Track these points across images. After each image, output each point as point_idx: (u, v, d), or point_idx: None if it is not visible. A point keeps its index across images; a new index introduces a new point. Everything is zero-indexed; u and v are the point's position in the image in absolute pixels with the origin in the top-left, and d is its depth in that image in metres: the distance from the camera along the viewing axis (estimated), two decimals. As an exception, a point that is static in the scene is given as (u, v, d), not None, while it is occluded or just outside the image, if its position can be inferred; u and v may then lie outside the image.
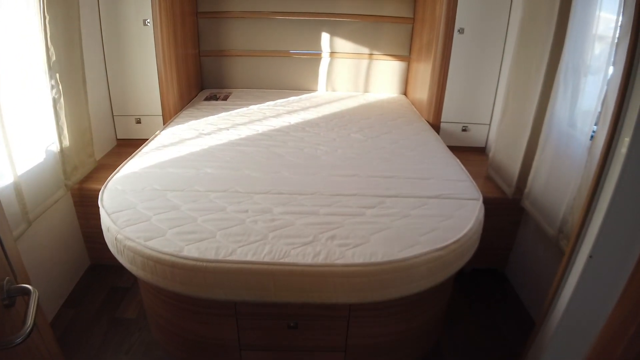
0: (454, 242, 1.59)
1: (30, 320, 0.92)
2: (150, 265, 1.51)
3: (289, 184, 1.96)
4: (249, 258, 1.46)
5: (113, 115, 2.91)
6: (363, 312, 1.66)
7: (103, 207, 1.77)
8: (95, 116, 2.57)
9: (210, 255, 1.46)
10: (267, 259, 1.45)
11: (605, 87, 1.71)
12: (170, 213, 1.71)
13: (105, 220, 1.71)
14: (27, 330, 0.91)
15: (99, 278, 2.48)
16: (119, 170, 2.08)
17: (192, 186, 1.91)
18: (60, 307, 2.26)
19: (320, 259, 1.46)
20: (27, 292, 0.99)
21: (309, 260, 1.46)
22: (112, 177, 2.01)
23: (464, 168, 2.19)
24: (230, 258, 1.45)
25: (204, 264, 1.44)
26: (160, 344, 1.97)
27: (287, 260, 1.46)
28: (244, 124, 2.73)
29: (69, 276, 2.38)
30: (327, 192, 1.90)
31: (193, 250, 1.49)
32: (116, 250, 1.64)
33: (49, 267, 2.18)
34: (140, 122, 2.92)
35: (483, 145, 3.02)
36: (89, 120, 2.43)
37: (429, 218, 1.73)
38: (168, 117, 2.89)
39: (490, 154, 2.59)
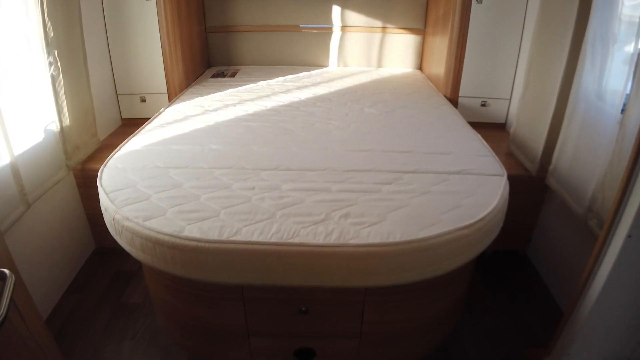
0: (479, 221, 1.43)
1: (3, 308, 0.80)
2: (150, 246, 1.39)
3: (299, 160, 1.81)
4: (254, 238, 1.32)
5: (117, 94, 2.79)
6: (378, 297, 1.52)
7: (101, 186, 1.65)
8: (98, 95, 2.45)
9: (213, 235, 1.33)
10: (274, 239, 1.32)
11: (636, 57, 1.53)
12: (171, 191, 1.58)
13: (103, 200, 1.59)
14: (0, 319, 0.79)
15: (104, 262, 2.38)
16: (120, 148, 1.96)
17: (195, 163, 1.78)
18: (63, 293, 2.17)
19: (332, 239, 1.32)
20: (2, 277, 0.86)
21: (320, 240, 1.32)
22: (112, 156, 1.89)
23: (485, 143, 2.02)
24: (234, 238, 1.32)
25: (206, 244, 1.31)
26: (165, 331, 1.87)
27: (296, 240, 1.32)
28: (252, 100, 2.58)
29: (73, 260, 2.29)
30: (340, 168, 1.75)
31: (195, 230, 1.35)
32: (115, 231, 1.52)
33: (51, 251, 2.08)
34: (145, 101, 2.79)
35: (503, 121, 2.84)
36: (90, 99, 2.31)
37: (450, 195, 1.57)
38: (173, 95, 2.75)
39: (512, 130, 2.41)
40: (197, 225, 1.37)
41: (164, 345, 1.89)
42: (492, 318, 2.03)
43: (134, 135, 2.08)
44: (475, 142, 2.03)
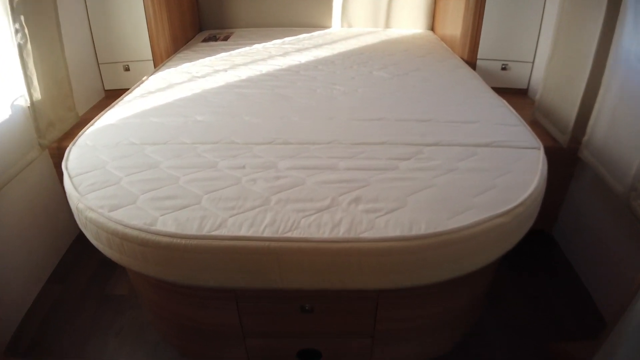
0: (519, 205, 1.13)
1: None
2: (117, 242, 1.10)
3: (299, 132, 1.51)
4: (243, 232, 1.03)
5: (98, 63, 2.45)
6: (394, 292, 1.24)
7: (67, 168, 1.36)
8: (76, 64, 2.14)
9: (192, 228, 1.04)
10: (268, 233, 1.02)
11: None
12: (146, 173, 1.28)
13: (67, 186, 1.30)
14: None
15: (89, 248, 2.05)
16: (94, 123, 1.66)
17: (177, 138, 1.48)
18: (45, 283, 1.91)
19: (341, 232, 1.03)
20: None
21: (325, 233, 1.02)
22: (84, 132, 1.60)
23: (514, 110, 1.71)
24: (217, 232, 1.03)
25: (182, 240, 1.02)
26: (154, 327, 1.62)
27: (295, 234, 1.02)
28: (246, 64, 2.24)
29: (54, 247, 2.02)
30: (348, 141, 1.44)
31: (169, 221, 1.06)
32: (80, 223, 1.24)
33: (28, 238, 1.81)
34: (129, 70, 2.46)
35: (525, 87, 2.49)
36: (65, 69, 1.99)
37: (481, 172, 1.27)
38: (159, 62, 2.42)
39: (538, 96, 2.09)
40: (172, 216, 1.08)
41: (152, 341, 1.64)
42: (517, 306, 1.77)
43: (111, 108, 1.78)
44: (502, 109, 1.72)
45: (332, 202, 1.12)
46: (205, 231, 1.03)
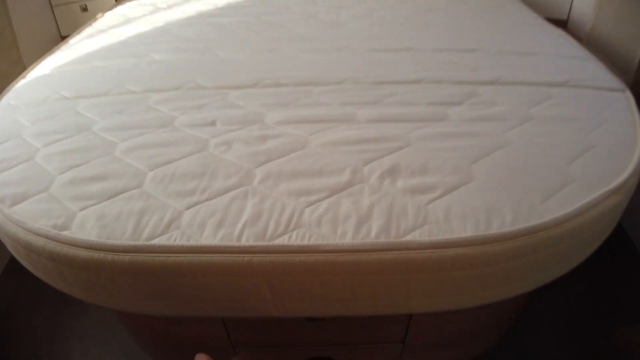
0: (632, 175, 0.70)
1: None
2: (22, 253, 0.68)
3: (295, 69, 1.03)
4: (206, 238, 0.58)
5: (51, 5, 1.96)
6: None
7: None
8: (22, 8, 1.72)
9: (123, 232, 0.60)
10: (249, 239, 0.58)
11: None
12: (72, 140, 0.83)
13: None
14: None
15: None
16: (26, 74, 1.19)
17: (122, 85, 1.00)
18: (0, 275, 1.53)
19: (373, 232, 0.57)
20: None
21: (347, 235, 0.57)
22: (11, 87, 1.14)
23: (576, 41, 1.25)
24: (162, 240, 0.58)
25: (108, 255, 0.58)
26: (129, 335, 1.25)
27: (296, 238, 0.58)
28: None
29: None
30: (367, 79, 0.96)
31: (91, 220, 0.62)
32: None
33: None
34: (87, 10, 1.96)
35: (565, 17, 1.99)
36: (6, 15, 1.59)
37: (568, 124, 0.82)
38: (122, -3, 1.90)
39: (589, 28, 1.64)
40: (96, 210, 0.64)
41: (121, 347, 1.27)
42: (570, 288, 1.38)
43: (50, 54, 1.30)
44: (562, 39, 1.26)
45: (353, 177, 0.67)
46: (144, 237, 0.59)
